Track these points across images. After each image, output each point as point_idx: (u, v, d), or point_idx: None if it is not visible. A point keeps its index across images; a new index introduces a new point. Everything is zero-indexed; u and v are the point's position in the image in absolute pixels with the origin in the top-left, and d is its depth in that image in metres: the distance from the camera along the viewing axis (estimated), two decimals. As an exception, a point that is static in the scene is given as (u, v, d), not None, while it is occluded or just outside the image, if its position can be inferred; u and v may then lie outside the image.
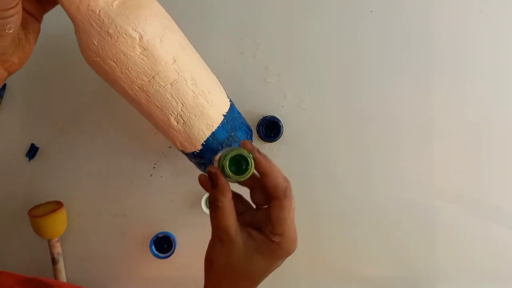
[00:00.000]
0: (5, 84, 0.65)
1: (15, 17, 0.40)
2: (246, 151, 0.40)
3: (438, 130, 0.67)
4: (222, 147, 0.55)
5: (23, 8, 0.43)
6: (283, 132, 0.65)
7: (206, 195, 0.65)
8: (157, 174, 0.66)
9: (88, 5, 0.43)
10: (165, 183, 0.66)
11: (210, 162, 0.56)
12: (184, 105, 0.50)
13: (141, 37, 0.45)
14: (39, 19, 0.47)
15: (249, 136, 0.59)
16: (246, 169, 0.40)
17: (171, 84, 0.49)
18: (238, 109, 0.60)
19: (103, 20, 0.44)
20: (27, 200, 0.66)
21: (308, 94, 0.66)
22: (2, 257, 0.66)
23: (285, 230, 0.41)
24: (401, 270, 0.67)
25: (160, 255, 0.64)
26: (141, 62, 0.46)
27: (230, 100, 0.57)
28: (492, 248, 0.67)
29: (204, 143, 0.54)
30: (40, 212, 0.62)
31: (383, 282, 0.67)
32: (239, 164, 0.40)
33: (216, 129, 0.54)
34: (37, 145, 0.66)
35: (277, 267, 0.44)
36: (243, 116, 0.61)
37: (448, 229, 0.67)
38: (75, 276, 0.66)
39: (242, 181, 0.40)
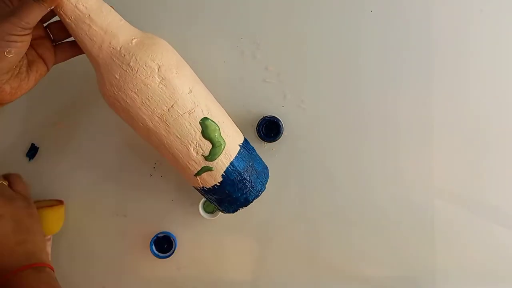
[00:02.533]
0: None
1: (17, 44, 0.41)
2: None
3: (438, 130, 0.67)
4: (242, 178, 0.56)
5: (35, 49, 0.46)
6: (283, 132, 0.65)
7: (204, 199, 0.65)
8: (157, 174, 0.66)
9: (110, 43, 0.49)
10: (165, 183, 0.66)
11: (230, 197, 0.56)
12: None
13: (159, 68, 0.50)
14: (48, 65, 0.49)
15: (266, 171, 0.60)
16: None
17: (188, 113, 0.52)
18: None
19: (124, 54, 0.49)
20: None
21: (308, 94, 0.66)
22: None
23: None
24: (400, 270, 0.67)
25: (161, 255, 0.64)
26: (160, 91, 0.50)
27: (243, 135, 0.59)
28: (492, 248, 0.67)
29: (224, 174, 0.55)
30: (36, 206, 0.62)
31: (383, 282, 0.68)
32: None
33: (234, 158, 0.55)
34: (37, 145, 0.66)
35: None
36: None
37: (448, 229, 0.67)
38: (75, 275, 0.66)
39: None
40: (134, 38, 0.50)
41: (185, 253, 0.66)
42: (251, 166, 0.57)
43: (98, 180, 0.66)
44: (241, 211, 0.59)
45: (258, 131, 0.65)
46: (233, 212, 0.59)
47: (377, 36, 0.66)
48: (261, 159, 0.61)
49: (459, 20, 0.67)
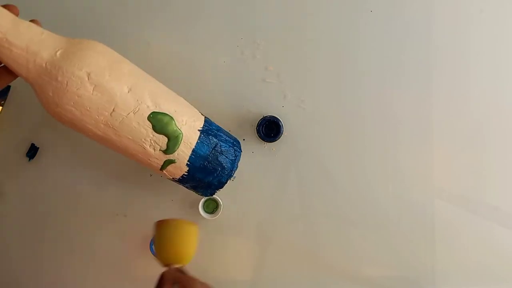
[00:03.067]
0: (9, 86, 0.65)
1: None
2: None
3: (438, 130, 0.67)
4: (208, 162, 0.55)
5: None
6: (283, 132, 0.65)
7: (204, 198, 0.65)
8: (157, 175, 0.66)
9: (35, 62, 0.46)
10: (165, 183, 0.66)
11: (203, 182, 0.56)
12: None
13: (89, 75, 0.47)
14: None
15: (236, 147, 0.59)
16: None
17: (133, 112, 0.50)
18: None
19: (51, 70, 0.47)
20: (27, 200, 0.66)
21: (308, 94, 0.66)
22: None
23: None
24: (400, 270, 0.67)
25: (160, 255, 0.64)
26: (96, 99, 0.48)
27: (205, 116, 0.57)
28: (492, 248, 0.67)
29: (188, 163, 0.54)
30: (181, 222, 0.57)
31: (383, 282, 0.67)
32: None
33: (196, 145, 0.54)
34: (37, 145, 0.66)
35: None
36: (224, 129, 0.60)
37: (447, 229, 0.67)
38: (75, 275, 0.66)
39: None
40: (58, 50, 0.47)
41: (185, 253, 0.66)
42: (215, 149, 0.55)
43: (98, 180, 0.66)
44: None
45: (258, 131, 0.65)
46: (211, 195, 0.59)
47: (377, 36, 0.66)
48: (228, 135, 0.59)
49: (459, 20, 0.67)
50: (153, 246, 0.64)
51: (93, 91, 0.48)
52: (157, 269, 0.66)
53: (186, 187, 0.59)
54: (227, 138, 0.58)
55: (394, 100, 0.66)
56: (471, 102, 0.67)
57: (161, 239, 0.54)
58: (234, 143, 0.59)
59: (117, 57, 0.51)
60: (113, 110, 0.49)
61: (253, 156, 0.65)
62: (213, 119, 0.61)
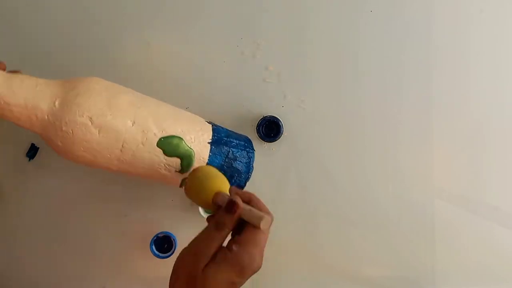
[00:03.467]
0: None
1: None
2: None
3: (438, 130, 0.67)
4: (224, 172, 0.55)
5: None
6: (283, 132, 0.65)
7: None
8: (157, 174, 0.66)
9: (37, 116, 0.47)
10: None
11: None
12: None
13: (91, 119, 0.48)
14: None
15: (248, 149, 0.59)
16: None
17: (142, 144, 0.51)
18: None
19: (54, 121, 0.48)
20: (26, 200, 0.66)
21: (308, 94, 0.66)
22: None
23: (245, 243, 0.42)
24: (400, 270, 0.67)
25: (161, 255, 0.64)
26: (104, 140, 0.49)
27: (212, 124, 0.58)
28: (492, 248, 0.67)
29: None
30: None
31: (383, 282, 0.68)
32: None
33: (208, 159, 0.54)
34: (37, 145, 0.66)
35: (237, 284, 0.42)
36: (232, 131, 0.61)
37: (447, 229, 0.67)
38: (75, 275, 0.66)
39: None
40: (56, 99, 0.48)
41: (185, 253, 0.66)
42: (228, 156, 0.56)
43: (98, 180, 0.66)
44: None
45: (258, 131, 0.65)
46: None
47: (377, 36, 0.66)
48: (238, 138, 0.59)
49: (459, 20, 0.67)
50: (152, 246, 0.63)
51: (99, 133, 0.49)
52: (157, 269, 0.67)
53: None
54: (238, 142, 0.58)
55: (394, 100, 0.67)
56: (471, 102, 0.67)
57: (202, 178, 0.49)
58: (246, 144, 0.59)
59: (113, 90, 0.52)
60: (122, 146, 0.50)
61: (253, 156, 0.65)
62: (214, 119, 0.61)
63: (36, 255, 0.66)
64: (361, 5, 0.66)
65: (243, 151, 0.58)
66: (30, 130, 0.49)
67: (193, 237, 0.66)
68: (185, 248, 0.44)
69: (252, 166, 0.58)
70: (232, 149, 0.57)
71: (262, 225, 0.42)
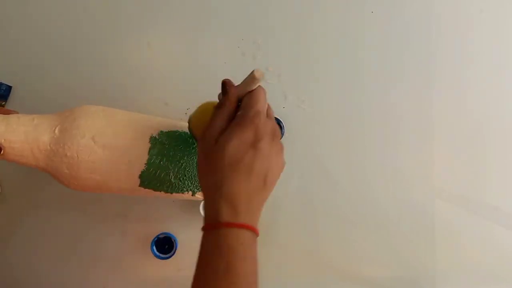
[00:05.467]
0: (10, 87, 0.65)
1: None
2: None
3: (439, 130, 0.67)
4: None
5: None
6: (284, 133, 0.65)
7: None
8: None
9: (39, 148, 0.47)
10: (166, 184, 0.66)
11: None
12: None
13: (94, 139, 0.48)
14: None
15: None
16: None
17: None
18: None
19: (57, 149, 0.47)
20: (26, 201, 0.66)
21: (309, 95, 0.66)
22: None
23: (245, 105, 0.42)
24: (400, 270, 0.68)
25: (161, 255, 0.64)
26: (111, 158, 0.48)
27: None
28: (492, 249, 0.67)
29: None
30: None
31: (383, 282, 0.68)
32: None
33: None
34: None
35: (262, 160, 0.40)
36: None
37: (448, 229, 0.67)
38: (76, 275, 0.66)
39: None
40: (55, 127, 0.48)
41: (186, 255, 0.66)
42: None
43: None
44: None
45: (258, 132, 0.65)
46: None
47: (378, 37, 0.66)
48: None
49: (459, 21, 0.67)
50: (153, 247, 0.63)
51: (103, 152, 0.48)
52: (158, 270, 0.67)
53: None
54: None
55: (395, 100, 0.67)
56: (472, 102, 0.67)
57: (203, 111, 0.49)
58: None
59: (109, 110, 0.51)
60: (129, 161, 0.49)
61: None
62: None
63: (36, 255, 0.66)
64: (361, 6, 0.66)
65: None
66: (35, 166, 0.48)
67: (194, 238, 0.66)
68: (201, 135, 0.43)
69: None
70: None
71: (256, 74, 0.42)
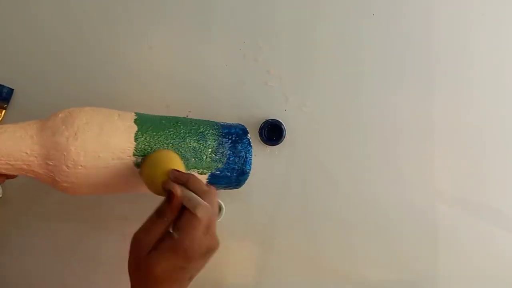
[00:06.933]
0: (12, 90, 0.65)
1: None
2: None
3: (439, 133, 0.67)
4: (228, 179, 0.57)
5: None
6: (286, 136, 0.65)
7: None
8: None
9: (35, 156, 0.47)
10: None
11: (230, 179, 0.57)
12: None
13: (76, 133, 0.47)
14: None
15: (238, 130, 0.58)
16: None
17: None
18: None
19: (49, 152, 0.46)
20: (28, 201, 0.66)
21: (310, 97, 0.66)
22: None
23: (182, 227, 0.41)
24: (402, 274, 0.67)
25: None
26: (100, 140, 0.47)
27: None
28: (493, 252, 0.67)
29: (207, 180, 0.55)
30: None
31: (384, 286, 0.67)
32: None
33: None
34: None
35: (189, 271, 0.43)
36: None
37: (449, 232, 0.67)
38: (76, 277, 0.66)
39: None
40: (41, 131, 0.47)
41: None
42: (226, 147, 0.56)
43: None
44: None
45: (260, 134, 0.65)
46: (244, 181, 0.59)
47: (379, 40, 0.66)
48: (235, 129, 0.58)
49: (460, 23, 0.67)
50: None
51: (98, 135, 0.47)
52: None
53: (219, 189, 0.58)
54: (232, 136, 0.57)
55: (396, 104, 0.67)
56: (473, 105, 0.67)
57: (152, 159, 0.49)
58: (236, 129, 0.58)
59: (92, 108, 0.51)
60: (121, 153, 0.49)
61: (256, 159, 0.65)
62: (216, 122, 0.61)
63: (36, 257, 0.66)
64: (363, 9, 0.66)
65: (237, 133, 0.58)
66: (37, 179, 0.49)
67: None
68: (134, 233, 0.44)
69: (251, 146, 0.57)
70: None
71: (199, 212, 0.41)
